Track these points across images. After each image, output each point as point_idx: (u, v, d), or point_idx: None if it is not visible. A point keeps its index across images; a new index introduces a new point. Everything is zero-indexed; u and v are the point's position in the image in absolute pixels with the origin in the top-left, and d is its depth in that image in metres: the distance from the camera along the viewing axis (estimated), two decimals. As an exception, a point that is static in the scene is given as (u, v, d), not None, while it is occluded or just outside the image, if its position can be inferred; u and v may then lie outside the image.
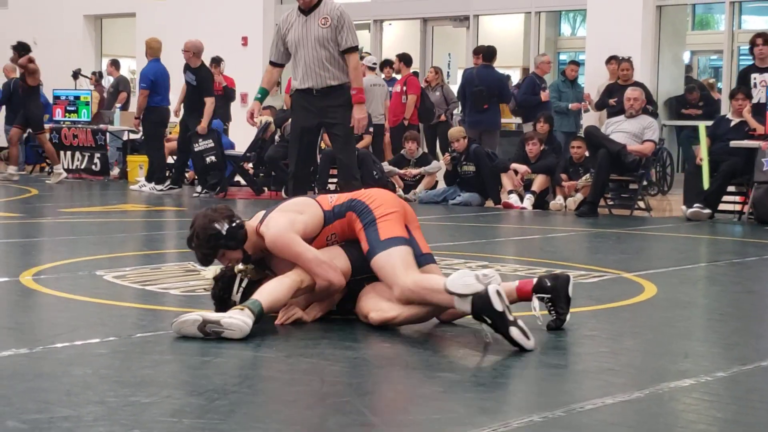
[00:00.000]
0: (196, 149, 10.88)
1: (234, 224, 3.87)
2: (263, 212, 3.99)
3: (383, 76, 13.07)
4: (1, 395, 2.82)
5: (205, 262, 3.98)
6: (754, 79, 9.44)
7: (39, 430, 2.51)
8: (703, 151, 9.13)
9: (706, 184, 8.95)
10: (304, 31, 6.14)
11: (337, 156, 6.57)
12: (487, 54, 11.51)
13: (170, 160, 12.00)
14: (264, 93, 6.41)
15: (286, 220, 3.86)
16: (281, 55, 6.31)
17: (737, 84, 9.81)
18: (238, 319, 3.57)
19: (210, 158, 10.89)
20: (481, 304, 3.45)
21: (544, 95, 11.59)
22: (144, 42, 12.06)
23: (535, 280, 3.83)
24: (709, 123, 9.87)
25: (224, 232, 3.84)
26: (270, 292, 3.75)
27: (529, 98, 11.64)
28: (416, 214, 4.10)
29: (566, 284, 3.81)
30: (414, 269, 3.75)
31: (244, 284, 3.91)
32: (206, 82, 10.92)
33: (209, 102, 10.77)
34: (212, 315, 3.62)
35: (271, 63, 6.42)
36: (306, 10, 6.15)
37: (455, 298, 3.52)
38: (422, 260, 3.89)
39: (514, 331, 3.43)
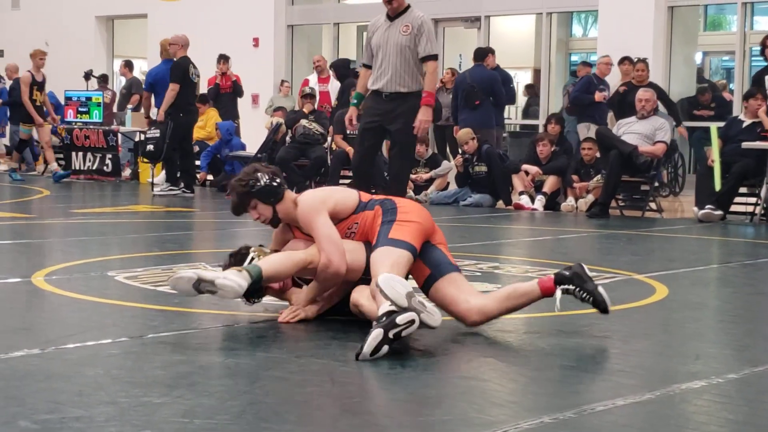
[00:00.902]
0: (146, 135, 11.02)
1: (274, 181, 3.97)
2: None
3: None
4: (14, 395, 2.84)
5: (238, 208, 4.04)
6: None
7: (50, 430, 2.52)
8: (714, 152, 9.10)
9: (717, 186, 8.92)
10: (386, 36, 6.34)
11: (389, 165, 6.79)
12: (477, 54, 11.52)
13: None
14: (360, 98, 6.62)
15: (321, 193, 4.03)
16: (369, 56, 6.49)
17: (751, 86, 9.77)
18: (232, 280, 3.62)
19: (149, 146, 10.97)
20: (389, 321, 3.36)
21: (599, 95, 11.39)
22: (156, 43, 12.11)
23: (553, 275, 3.83)
24: (721, 124, 9.84)
25: (263, 183, 3.95)
26: (275, 261, 3.82)
27: (581, 96, 11.45)
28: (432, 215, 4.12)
29: (582, 268, 3.83)
30: (395, 272, 3.67)
31: (255, 262, 3.93)
32: (175, 70, 10.85)
33: (170, 89, 10.73)
34: (208, 274, 3.68)
35: (364, 65, 6.60)
36: (392, 16, 6.36)
37: (378, 292, 3.49)
38: (452, 267, 3.92)
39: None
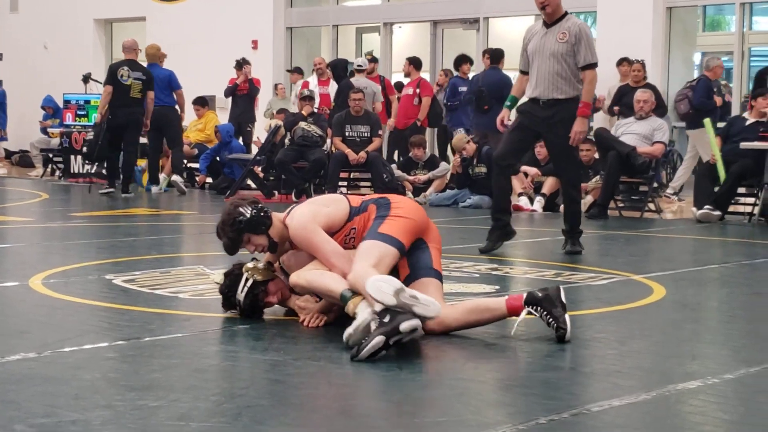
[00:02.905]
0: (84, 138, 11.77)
1: (259, 210, 3.95)
2: (293, 206, 4.09)
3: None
4: (10, 399, 2.85)
5: (232, 248, 4.02)
6: None
7: (47, 434, 2.53)
8: (713, 147, 9.08)
9: (722, 176, 8.94)
10: (542, 43, 6.30)
11: (556, 171, 6.89)
12: (493, 56, 11.52)
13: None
14: (513, 101, 6.59)
15: (310, 211, 3.95)
16: (526, 62, 6.45)
17: (754, 85, 9.77)
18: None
19: (84, 148, 11.75)
20: (392, 328, 3.35)
21: (719, 100, 11.15)
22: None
23: (525, 295, 3.77)
24: (722, 123, 9.84)
25: (248, 216, 3.93)
26: (338, 280, 3.75)
27: (705, 103, 10.92)
28: (431, 217, 4.12)
29: (557, 292, 3.74)
30: (379, 268, 3.66)
31: (249, 284, 3.95)
32: (107, 73, 11.27)
33: (103, 92, 11.12)
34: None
35: (521, 71, 6.55)
36: (549, 23, 6.33)
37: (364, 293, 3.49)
38: (430, 272, 3.88)
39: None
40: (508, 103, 6.63)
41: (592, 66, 6.28)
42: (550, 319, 3.71)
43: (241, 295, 3.99)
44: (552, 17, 6.32)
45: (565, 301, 3.75)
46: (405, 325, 3.35)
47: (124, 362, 3.39)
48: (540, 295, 3.73)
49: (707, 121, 9.33)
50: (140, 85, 11.19)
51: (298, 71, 14.22)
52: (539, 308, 3.73)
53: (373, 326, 3.40)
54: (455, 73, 12.62)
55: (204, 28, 15.89)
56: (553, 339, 3.75)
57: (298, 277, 3.85)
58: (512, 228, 6.59)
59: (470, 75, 12.29)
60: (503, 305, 3.78)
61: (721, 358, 3.66)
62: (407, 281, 3.85)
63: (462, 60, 12.48)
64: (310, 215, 3.92)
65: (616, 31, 12.48)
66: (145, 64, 11.74)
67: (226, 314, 4.15)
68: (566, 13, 6.39)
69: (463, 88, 11.93)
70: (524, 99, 6.63)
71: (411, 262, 3.90)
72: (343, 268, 3.79)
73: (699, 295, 5.12)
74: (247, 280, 3.98)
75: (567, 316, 3.74)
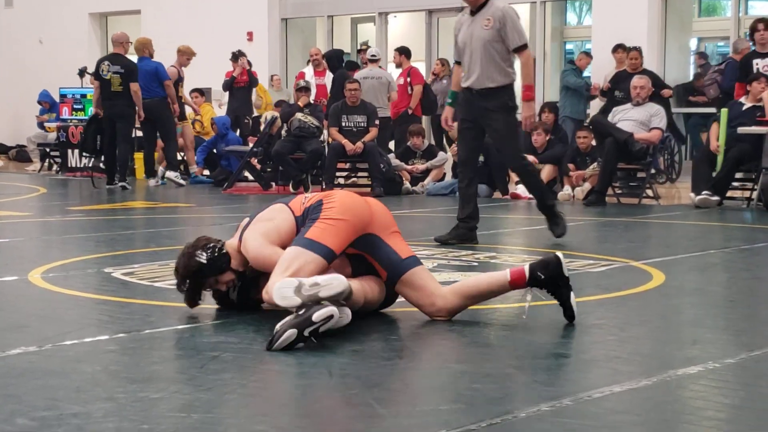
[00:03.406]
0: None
1: (214, 251, 3.86)
2: (243, 223, 3.95)
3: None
4: (11, 393, 2.84)
5: (194, 299, 3.92)
6: (757, 65, 9.40)
7: (48, 427, 2.52)
8: (721, 138, 9.04)
9: (720, 164, 8.94)
10: (470, 32, 6.18)
11: (501, 158, 6.84)
12: None
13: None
14: (454, 96, 6.45)
15: (259, 235, 3.82)
16: (459, 54, 6.35)
17: (740, 71, 9.74)
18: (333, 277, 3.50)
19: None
20: (304, 319, 3.33)
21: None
22: (151, 39, 12.15)
23: (527, 272, 3.73)
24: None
25: (205, 262, 3.84)
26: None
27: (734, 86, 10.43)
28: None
29: (559, 267, 3.72)
30: (300, 275, 3.57)
31: (239, 283, 3.93)
32: (95, 69, 11.71)
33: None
34: (306, 280, 3.50)
35: (456, 62, 6.45)
36: (473, 10, 6.20)
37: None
38: (404, 265, 3.81)
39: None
40: (449, 100, 6.49)
41: (524, 47, 6.14)
42: (556, 299, 3.75)
43: (233, 294, 3.97)
44: (475, 4, 6.17)
45: (567, 273, 3.75)
46: (317, 315, 3.32)
47: (124, 355, 3.38)
48: (543, 277, 3.71)
49: (724, 111, 9.30)
50: (119, 78, 11.26)
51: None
52: (544, 290, 3.74)
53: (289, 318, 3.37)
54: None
55: (199, 20, 15.86)
56: (553, 325, 3.75)
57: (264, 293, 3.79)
58: (476, 234, 6.36)
59: None
60: (506, 282, 3.78)
61: (722, 343, 3.67)
62: (390, 283, 3.82)
63: None
64: (261, 237, 3.81)
65: (612, 18, 12.46)
66: (135, 58, 11.74)
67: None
68: None
69: None
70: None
71: (382, 262, 3.81)
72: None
73: (698, 281, 5.12)
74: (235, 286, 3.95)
75: (572, 296, 3.75)
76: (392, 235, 3.87)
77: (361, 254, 3.85)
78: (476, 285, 3.86)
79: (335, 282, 3.43)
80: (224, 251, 3.88)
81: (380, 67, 12.35)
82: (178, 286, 3.93)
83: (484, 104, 6.17)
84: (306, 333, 3.33)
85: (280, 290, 3.45)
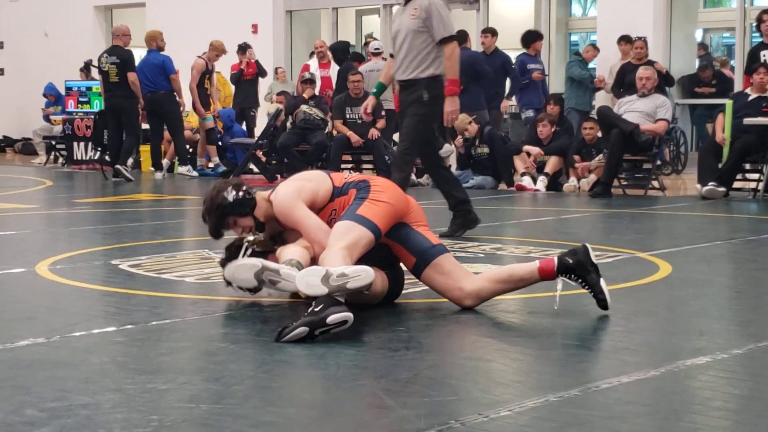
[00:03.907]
0: None
1: (242, 192, 3.92)
2: (280, 183, 4.07)
3: None
4: (20, 385, 2.85)
5: (216, 232, 4.01)
6: (764, 56, 9.37)
7: (57, 418, 2.53)
8: (726, 130, 9.00)
9: (725, 156, 8.92)
10: (400, 22, 6.07)
11: (399, 143, 6.46)
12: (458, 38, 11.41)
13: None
14: (380, 87, 6.31)
15: (293, 187, 3.92)
16: (393, 45, 6.21)
17: (747, 63, 9.71)
18: (294, 271, 3.59)
19: None
20: (319, 319, 3.33)
21: None
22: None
23: (556, 261, 3.78)
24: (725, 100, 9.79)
25: (231, 199, 3.91)
26: (301, 255, 3.77)
27: None
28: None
29: (587, 254, 3.75)
30: (353, 250, 3.62)
31: (248, 253, 3.93)
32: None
33: None
34: (271, 264, 3.65)
35: (391, 55, 6.30)
36: (405, 1, 6.07)
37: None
38: (435, 251, 3.85)
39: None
40: (374, 90, 6.32)
41: (449, 39, 5.90)
42: (586, 286, 3.76)
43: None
44: None
45: (595, 261, 3.76)
46: (332, 318, 3.31)
47: (132, 346, 3.39)
48: (571, 261, 3.73)
49: (729, 103, 9.26)
50: (115, 68, 11.32)
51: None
52: (573, 276, 3.75)
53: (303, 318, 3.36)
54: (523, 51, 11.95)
55: (204, 12, 15.84)
56: (560, 316, 3.75)
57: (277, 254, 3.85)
58: (475, 215, 6.23)
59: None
60: (536, 273, 3.79)
61: (729, 334, 3.66)
62: (418, 269, 3.85)
63: (532, 37, 11.73)
64: (293, 191, 3.89)
65: (617, 9, 12.42)
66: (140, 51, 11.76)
67: (233, 297, 4.15)
68: None
69: (533, 66, 11.53)
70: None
71: (412, 249, 3.85)
72: (323, 243, 3.76)
73: (705, 272, 5.11)
74: (247, 249, 3.94)
75: (603, 282, 3.76)
76: (422, 227, 3.93)
77: (386, 244, 3.87)
78: (505, 271, 3.90)
79: (363, 274, 3.43)
80: (252, 196, 3.94)
81: (384, 59, 12.29)
82: (203, 216, 4.01)
83: (405, 95, 6.04)
84: (317, 332, 3.33)
85: (305, 278, 3.43)
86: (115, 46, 11.55)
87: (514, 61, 11.54)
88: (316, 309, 3.35)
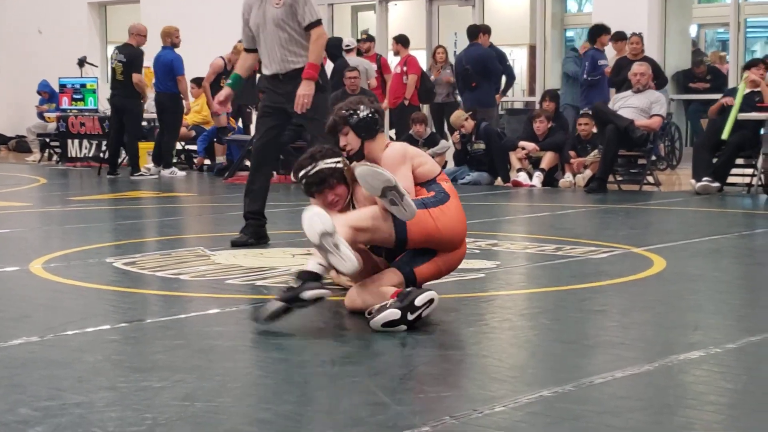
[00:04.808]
0: None
1: (374, 117, 3.93)
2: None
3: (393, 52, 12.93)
4: (15, 383, 2.85)
5: (332, 130, 3.96)
6: None
7: (52, 417, 2.53)
8: (730, 122, 8.94)
9: (726, 135, 8.87)
10: (261, 13, 5.67)
11: (312, 135, 5.93)
12: (470, 33, 11.47)
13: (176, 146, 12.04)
14: (236, 79, 5.87)
15: (410, 150, 3.96)
16: (250, 39, 5.85)
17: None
18: (413, 205, 3.61)
19: None
20: (409, 303, 3.43)
21: None
22: (150, 28, 12.08)
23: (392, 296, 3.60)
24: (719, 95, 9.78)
25: (361, 115, 3.91)
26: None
27: None
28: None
29: (409, 300, 3.51)
30: (362, 237, 3.70)
31: (331, 163, 3.93)
32: None
33: None
34: (402, 187, 3.61)
35: (245, 50, 5.96)
36: None
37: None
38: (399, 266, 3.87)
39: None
40: (230, 81, 5.87)
41: (317, 24, 5.62)
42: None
43: (316, 165, 3.98)
44: None
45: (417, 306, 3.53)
46: (307, 294, 3.44)
47: (127, 344, 3.39)
48: (399, 303, 3.52)
49: (741, 87, 9.17)
50: (121, 66, 11.34)
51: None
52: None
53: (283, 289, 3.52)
54: (591, 46, 11.43)
55: (198, 9, 15.81)
56: (554, 311, 3.75)
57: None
58: (266, 232, 5.81)
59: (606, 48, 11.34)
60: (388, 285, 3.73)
61: (723, 328, 3.67)
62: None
63: (599, 30, 11.32)
64: (408, 152, 3.93)
65: (613, 5, 12.41)
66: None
67: (227, 295, 4.15)
68: None
69: (603, 62, 11.13)
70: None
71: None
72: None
73: (700, 267, 5.12)
74: (335, 163, 3.96)
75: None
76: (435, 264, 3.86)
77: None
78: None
79: (350, 263, 3.46)
80: (380, 129, 3.96)
81: (357, 55, 12.23)
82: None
83: (291, 87, 5.57)
84: (294, 306, 3.45)
85: (312, 218, 3.49)
86: (127, 44, 11.52)
87: (509, 56, 11.53)
88: (295, 286, 3.47)
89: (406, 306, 3.45)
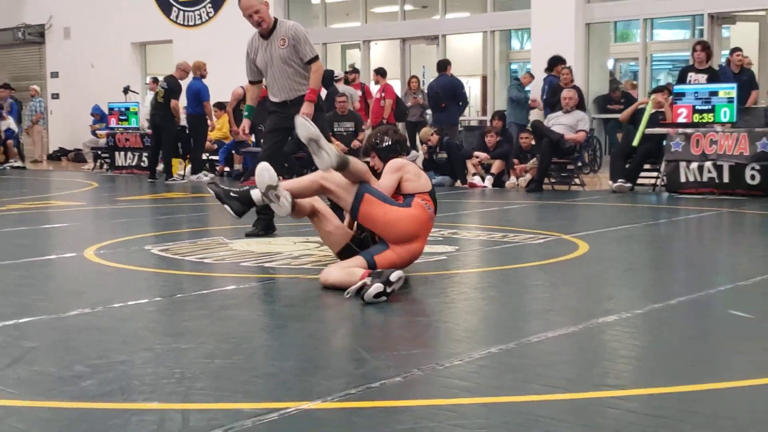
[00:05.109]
0: None
1: (395, 147, 4.09)
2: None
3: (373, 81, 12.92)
4: (71, 346, 2.82)
5: (366, 152, 4.17)
6: (690, 77, 9.41)
7: (100, 372, 2.51)
8: (640, 131, 8.96)
9: (636, 142, 8.92)
10: (268, 53, 5.65)
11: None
12: (440, 65, 11.56)
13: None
14: (251, 110, 5.94)
15: (407, 166, 3.98)
16: (255, 73, 5.84)
17: (677, 80, 9.72)
18: (333, 153, 3.70)
19: None
20: (386, 279, 3.45)
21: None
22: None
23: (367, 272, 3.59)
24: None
25: (385, 145, 4.10)
26: (357, 166, 3.81)
27: None
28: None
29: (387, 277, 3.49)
30: (304, 193, 3.84)
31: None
32: None
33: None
34: (325, 141, 3.71)
35: (250, 82, 5.92)
36: (266, 35, 5.70)
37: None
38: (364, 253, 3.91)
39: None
40: (246, 113, 5.94)
41: (315, 59, 5.58)
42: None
43: (379, 142, 4.11)
44: (266, 30, 5.66)
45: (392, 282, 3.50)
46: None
47: (161, 314, 3.36)
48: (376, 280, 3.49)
49: (649, 104, 9.19)
50: (163, 92, 11.33)
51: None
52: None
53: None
54: (549, 73, 11.39)
55: (220, 48, 15.69)
56: (500, 286, 3.74)
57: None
58: (273, 224, 5.77)
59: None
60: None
61: (633, 298, 3.68)
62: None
63: (556, 61, 11.24)
64: (410, 167, 3.97)
65: (547, 44, 12.42)
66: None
67: (242, 275, 4.12)
68: (276, 20, 5.66)
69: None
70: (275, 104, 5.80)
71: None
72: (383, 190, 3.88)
73: (615, 250, 5.13)
74: (386, 146, 4.10)
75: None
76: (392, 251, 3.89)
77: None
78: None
79: (283, 210, 3.72)
80: (398, 156, 4.04)
81: (351, 83, 12.22)
82: (378, 142, 4.11)
83: (297, 110, 5.48)
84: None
85: (262, 172, 3.70)
86: (172, 75, 11.54)
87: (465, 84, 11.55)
88: (236, 191, 3.80)
89: (384, 281, 3.44)
